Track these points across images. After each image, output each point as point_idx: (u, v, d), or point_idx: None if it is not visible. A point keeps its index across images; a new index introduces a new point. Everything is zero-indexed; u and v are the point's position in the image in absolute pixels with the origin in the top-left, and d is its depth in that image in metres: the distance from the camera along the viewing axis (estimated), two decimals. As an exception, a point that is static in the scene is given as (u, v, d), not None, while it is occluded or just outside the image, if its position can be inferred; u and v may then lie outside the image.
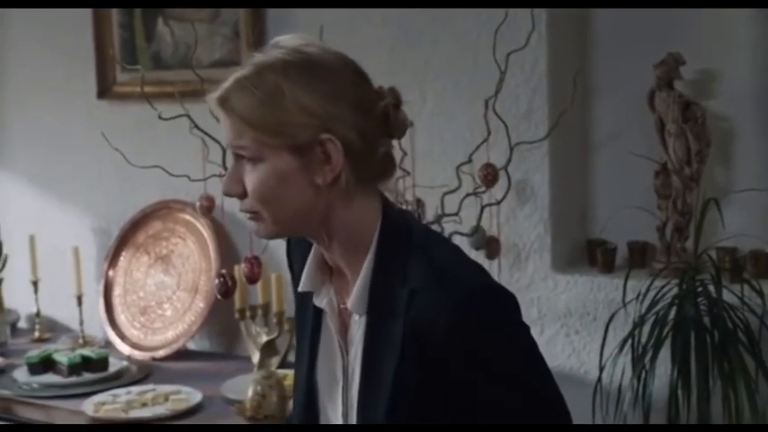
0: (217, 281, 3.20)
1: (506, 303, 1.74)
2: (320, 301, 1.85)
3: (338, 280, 1.84)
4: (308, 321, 1.89)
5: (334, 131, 1.69)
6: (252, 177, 1.71)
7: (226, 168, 3.02)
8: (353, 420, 1.80)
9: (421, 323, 1.68)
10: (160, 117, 3.07)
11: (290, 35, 1.77)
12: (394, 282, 1.73)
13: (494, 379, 1.70)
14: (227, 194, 1.76)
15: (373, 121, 1.74)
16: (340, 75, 1.73)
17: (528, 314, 3.22)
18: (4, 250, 4.02)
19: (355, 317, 1.79)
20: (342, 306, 1.83)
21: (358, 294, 1.76)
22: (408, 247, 1.76)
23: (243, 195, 1.74)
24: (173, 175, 3.23)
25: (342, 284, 1.83)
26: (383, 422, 1.73)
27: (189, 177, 3.16)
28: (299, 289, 1.87)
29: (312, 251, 1.85)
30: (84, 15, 3.94)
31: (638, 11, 3.14)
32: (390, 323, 1.72)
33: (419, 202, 3.07)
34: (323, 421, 1.90)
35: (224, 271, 3.21)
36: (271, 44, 1.75)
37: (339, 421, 1.86)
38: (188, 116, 3.07)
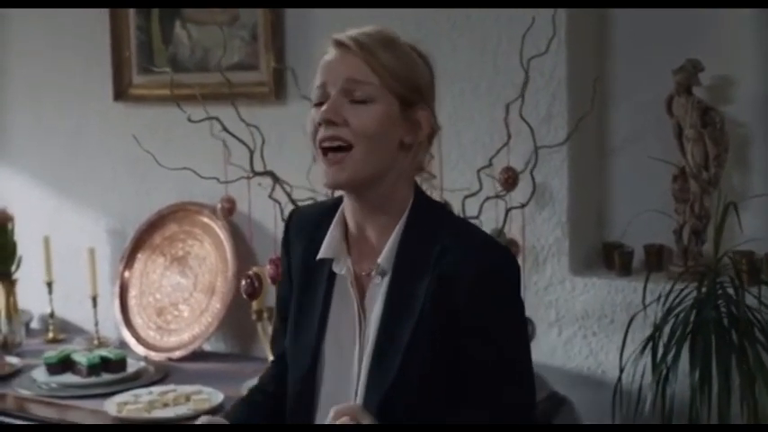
0: (243, 282, 3.22)
1: (519, 270, 1.95)
2: (340, 269, 1.99)
3: (356, 251, 1.99)
4: (317, 291, 2.01)
5: (430, 110, 1.99)
6: (360, 113, 1.89)
7: (253, 171, 3.06)
8: (365, 377, 1.91)
9: (448, 276, 1.86)
10: (189, 120, 3.08)
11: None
12: (424, 240, 1.92)
13: (495, 335, 1.88)
14: (327, 121, 1.88)
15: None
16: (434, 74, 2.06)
17: (546, 316, 3.27)
18: (19, 251, 4.03)
19: (376, 279, 1.94)
20: (363, 273, 1.97)
21: (389, 251, 1.93)
22: (438, 217, 1.98)
23: (342, 124, 1.89)
24: (202, 177, 3.23)
25: (361, 256, 1.98)
26: (395, 376, 1.86)
27: (218, 179, 3.17)
28: (320, 255, 1.99)
29: (334, 224, 2.00)
30: (101, 17, 3.96)
31: (657, 18, 3.19)
32: (415, 280, 1.89)
33: (446, 205, 3.09)
34: (323, 392, 1.98)
35: (251, 272, 3.23)
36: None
37: (352, 383, 1.93)
38: (216, 119, 3.09)
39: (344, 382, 1.96)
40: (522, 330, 1.97)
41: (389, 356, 1.88)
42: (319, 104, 1.91)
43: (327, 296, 2.00)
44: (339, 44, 1.92)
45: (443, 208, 2.06)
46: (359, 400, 1.92)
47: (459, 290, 1.85)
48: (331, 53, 1.93)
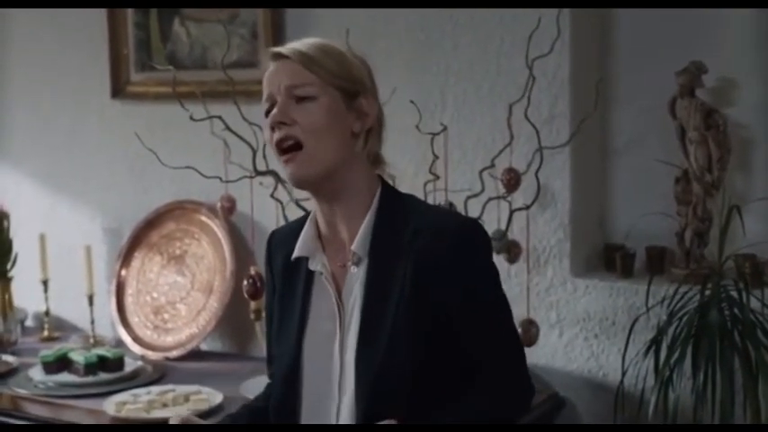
0: (245, 282, 3.20)
1: (489, 239, 2.07)
2: (315, 265, 2.08)
3: (330, 248, 2.08)
4: (296, 292, 2.10)
5: (373, 99, 2.07)
6: (305, 111, 1.98)
7: (256, 170, 3.04)
8: (349, 366, 1.99)
9: (423, 254, 1.96)
10: (191, 118, 3.07)
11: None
12: (396, 225, 2.01)
13: (478, 296, 2.00)
14: (277, 123, 1.99)
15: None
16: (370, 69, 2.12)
17: (547, 317, 3.27)
18: (15, 248, 4.00)
19: (352, 269, 2.03)
20: (339, 265, 2.06)
21: (362, 237, 2.02)
22: (406, 204, 2.08)
23: (292, 123, 1.98)
24: (204, 176, 3.22)
25: (334, 251, 2.07)
26: (382, 357, 1.95)
27: (221, 179, 3.16)
28: (295, 255, 2.09)
29: (307, 224, 2.11)
30: (99, 15, 3.93)
31: (661, 19, 3.18)
32: (391, 264, 1.99)
33: (451, 206, 3.08)
34: (306, 389, 2.05)
35: (252, 272, 3.21)
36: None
37: (334, 373, 2.01)
38: (219, 117, 3.07)
39: (326, 377, 2.04)
40: (500, 291, 2.05)
41: (375, 340, 1.97)
42: (269, 111, 2.02)
43: (306, 295, 2.09)
44: (278, 56, 2.03)
45: (410, 196, 2.13)
46: (345, 390, 2.00)
47: (436, 265, 1.95)
48: (272, 66, 2.04)
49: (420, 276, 1.95)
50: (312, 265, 2.09)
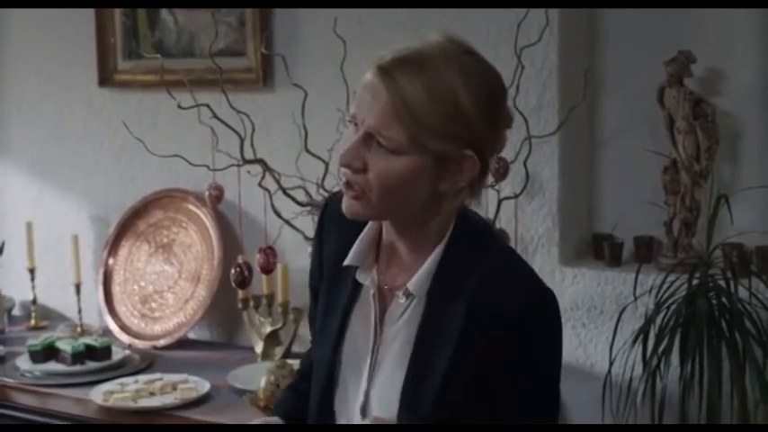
0: (233, 270, 3.19)
1: (558, 310, 1.82)
2: (364, 278, 1.88)
3: (386, 262, 1.88)
4: (341, 296, 1.92)
5: (479, 152, 1.75)
6: (383, 165, 1.72)
7: (244, 159, 3.04)
8: (375, 398, 1.84)
9: (485, 310, 1.74)
10: (179, 107, 3.06)
11: (444, 34, 1.80)
12: (461, 269, 1.78)
13: (534, 375, 1.78)
14: (345, 166, 1.75)
15: (501, 131, 1.82)
16: (499, 94, 1.81)
17: (535, 307, 3.25)
18: (1, 237, 3.98)
19: (401, 299, 1.83)
20: (386, 287, 1.86)
21: (422, 277, 1.80)
22: (478, 243, 1.83)
23: (360, 171, 1.74)
24: (192, 165, 3.21)
25: (389, 267, 1.87)
26: (431, 408, 1.77)
27: (208, 167, 3.15)
28: (346, 262, 1.88)
29: (368, 229, 1.88)
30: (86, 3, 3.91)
31: (649, 9, 3.17)
32: (451, 309, 1.77)
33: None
34: (341, 394, 1.91)
35: (240, 261, 3.21)
36: (430, 40, 1.77)
37: (359, 395, 1.87)
38: (207, 105, 3.06)
39: (353, 392, 1.90)
40: (557, 372, 1.84)
41: (425, 385, 1.79)
42: (352, 123, 1.78)
43: (349, 303, 1.91)
44: (377, 70, 1.72)
45: (485, 232, 1.89)
46: (369, 416, 1.86)
47: (497, 324, 1.74)
48: (368, 77, 1.73)
49: (477, 333, 1.75)
50: (361, 278, 1.88)
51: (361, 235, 1.88)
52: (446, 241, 1.81)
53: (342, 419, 1.92)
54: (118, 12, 3.88)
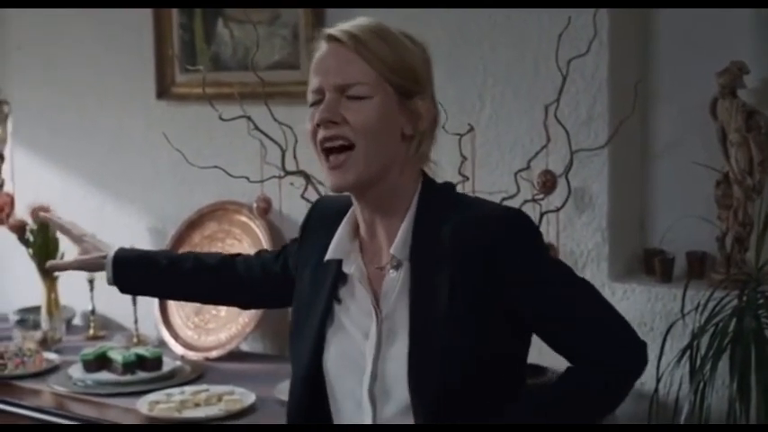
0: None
1: (530, 220, 1.93)
2: (349, 268, 1.97)
3: (368, 249, 1.98)
4: (321, 292, 2.00)
5: (429, 98, 1.95)
6: (357, 110, 1.87)
7: (285, 170, 3.04)
8: (390, 377, 1.89)
9: (468, 248, 1.85)
10: (221, 118, 3.08)
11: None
12: (436, 225, 1.89)
13: (547, 275, 1.90)
14: (326, 120, 1.87)
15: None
16: (431, 67, 1.99)
17: (584, 323, 3.20)
18: (61, 248, 4.04)
19: (391, 273, 1.92)
20: (376, 268, 1.96)
21: (402, 239, 1.91)
22: (445, 199, 1.96)
23: (342, 123, 1.87)
24: (232, 176, 3.23)
25: (371, 253, 1.97)
26: (439, 372, 1.83)
27: (248, 179, 3.16)
28: (328, 257, 1.98)
29: (344, 222, 2.00)
30: (145, 16, 3.96)
31: (701, 19, 3.11)
32: (435, 265, 1.87)
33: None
34: (334, 390, 1.98)
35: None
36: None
37: (364, 382, 1.91)
38: (248, 117, 3.08)
39: (352, 384, 1.94)
40: (564, 267, 1.95)
41: (429, 352, 1.85)
42: (316, 103, 1.90)
43: (331, 296, 1.98)
44: (331, 38, 1.91)
45: (448, 189, 2.02)
46: (383, 400, 1.91)
47: (484, 263, 1.84)
48: (323, 48, 1.92)
49: (468, 274, 1.84)
50: (347, 268, 1.98)
51: (338, 230, 2.00)
52: (416, 202, 1.93)
53: (336, 410, 1.99)
54: (176, 25, 3.91)
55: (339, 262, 1.99)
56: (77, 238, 2.46)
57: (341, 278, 1.99)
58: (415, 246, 1.90)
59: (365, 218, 1.97)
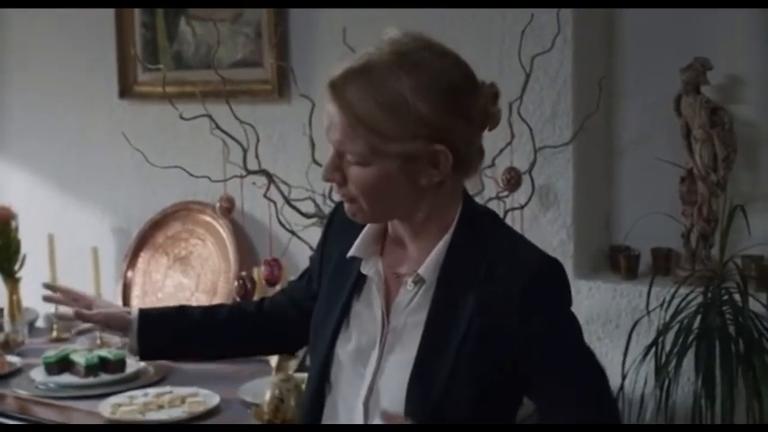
0: (236, 283, 3.17)
1: (567, 278, 1.85)
2: (368, 269, 1.91)
3: (392, 252, 1.91)
4: (342, 289, 1.94)
5: (447, 143, 1.77)
6: (357, 176, 1.79)
7: (247, 170, 3.02)
8: (384, 391, 1.83)
9: (497, 290, 1.77)
10: (181, 117, 3.05)
11: (402, 32, 1.82)
12: (471, 255, 1.82)
13: (566, 345, 1.81)
14: (328, 181, 1.84)
15: (478, 124, 1.83)
16: (458, 87, 1.78)
17: (550, 320, 3.19)
18: (23, 249, 3.99)
19: (409, 287, 1.85)
20: (394, 275, 1.89)
21: (433, 262, 1.83)
22: (485, 227, 1.87)
23: (342, 183, 1.82)
24: (193, 176, 3.20)
25: (396, 256, 1.90)
26: (439, 397, 1.78)
27: (209, 178, 3.14)
28: (350, 254, 1.92)
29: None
30: (107, 14, 3.93)
31: (665, 16, 3.11)
32: (460, 294, 1.80)
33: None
34: (334, 392, 1.92)
35: (243, 273, 3.19)
36: (385, 40, 1.81)
37: (362, 389, 1.87)
38: (209, 117, 3.05)
39: (355, 384, 1.89)
40: (578, 331, 1.86)
41: (434, 370, 1.80)
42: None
43: (351, 296, 1.94)
44: (328, 88, 1.78)
45: (490, 218, 1.92)
46: (375, 414, 1.85)
47: (509, 303, 1.76)
48: (326, 95, 1.79)
49: (491, 310, 1.77)
50: (365, 269, 1.92)
51: (366, 228, 1.93)
52: (453, 228, 1.84)
53: (329, 419, 1.93)
54: (138, 23, 3.88)
55: (360, 262, 1.94)
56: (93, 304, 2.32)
57: (359, 278, 1.94)
58: (445, 269, 1.84)
59: (394, 229, 1.92)
